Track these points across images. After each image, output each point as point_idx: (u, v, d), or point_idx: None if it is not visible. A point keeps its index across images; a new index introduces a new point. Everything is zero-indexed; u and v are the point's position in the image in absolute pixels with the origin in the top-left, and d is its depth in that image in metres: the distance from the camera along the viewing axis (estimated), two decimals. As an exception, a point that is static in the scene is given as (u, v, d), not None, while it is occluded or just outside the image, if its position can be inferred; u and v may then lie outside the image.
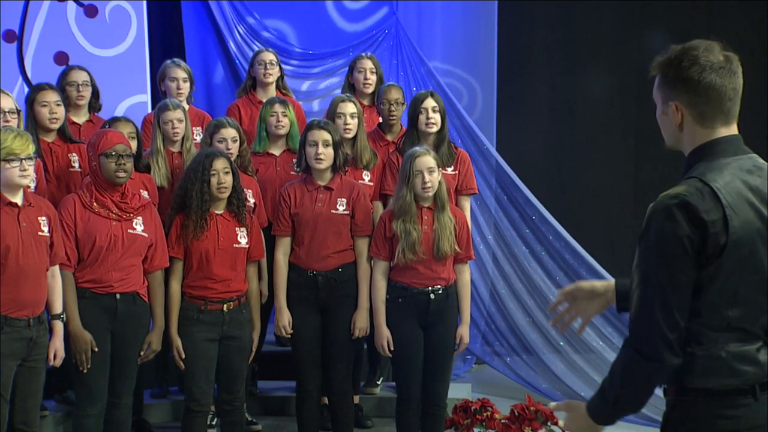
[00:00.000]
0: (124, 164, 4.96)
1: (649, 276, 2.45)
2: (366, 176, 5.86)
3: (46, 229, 4.74)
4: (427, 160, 5.22)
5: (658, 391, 2.60)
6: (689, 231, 2.41)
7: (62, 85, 6.00)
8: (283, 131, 5.94)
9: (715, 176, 2.46)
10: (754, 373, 2.48)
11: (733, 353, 2.47)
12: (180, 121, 5.83)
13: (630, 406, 2.53)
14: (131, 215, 5.02)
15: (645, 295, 2.46)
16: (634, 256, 2.51)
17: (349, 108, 5.85)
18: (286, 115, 5.92)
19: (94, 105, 6.19)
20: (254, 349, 5.38)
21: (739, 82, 2.59)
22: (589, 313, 2.88)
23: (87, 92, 6.06)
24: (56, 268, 4.85)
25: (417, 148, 5.37)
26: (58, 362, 4.83)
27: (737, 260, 2.44)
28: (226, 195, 5.19)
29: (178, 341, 5.16)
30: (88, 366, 4.91)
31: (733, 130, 2.58)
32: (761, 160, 2.60)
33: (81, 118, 6.11)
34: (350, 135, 5.79)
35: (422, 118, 5.82)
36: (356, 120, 5.84)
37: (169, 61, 6.42)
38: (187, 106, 6.37)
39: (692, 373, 2.47)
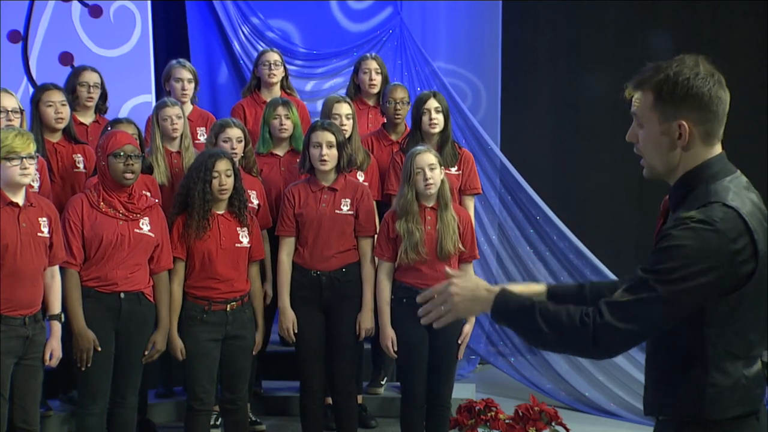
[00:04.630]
0: (132, 165, 4.97)
1: (654, 287, 2.32)
2: (360, 176, 5.87)
3: (46, 230, 4.75)
4: (428, 158, 5.23)
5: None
6: (715, 261, 2.30)
7: (73, 84, 6.02)
8: (285, 134, 5.94)
9: (732, 198, 2.36)
10: (761, 394, 2.44)
11: (750, 378, 2.41)
12: (178, 117, 5.83)
13: (528, 339, 2.52)
14: (138, 215, 5.03)
15: (640, 300, 2.33)
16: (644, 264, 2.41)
17: (345, 109, 5.86)
18: (288, 118, 5.92)
19: (101, 107, 6.21)
20: (257, 350, 5.40)
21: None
22: None
23: (96, 94, 6.09)
24: (56, 268, 4.85)
25: (418, 146, 5.38)
26: (55, 362, 4.83)
27: (762, 283, 2.37)
28: (226, 197, 5.20)
29: (180, 343, 5.16)
30: (89, 365, 4.91)
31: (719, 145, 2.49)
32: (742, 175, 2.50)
33: (88, 118, 6.12)
34: (346, 135, 5.78)
35: (425, 118, 5.83)
36: (351, 121, 5.85)
37: (174, 62, 6.42)
38: (191, 107, 6.38)
39: (717, 406, 2.39)
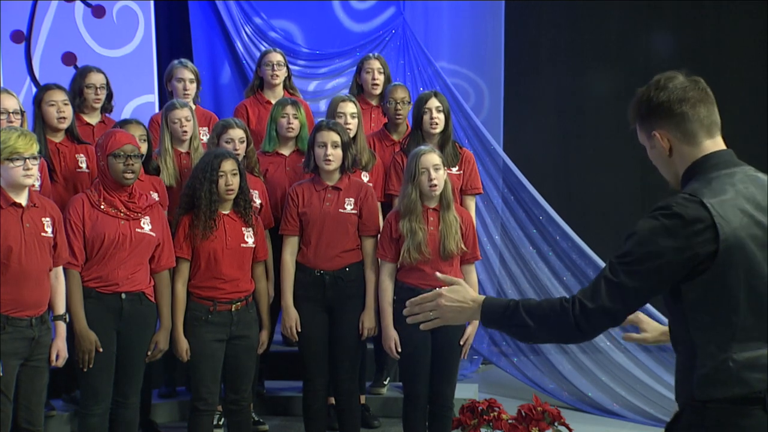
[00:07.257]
0: (132, 165, 4.97)
1: (617, 269, 2.51)
2: (365, 177, 5.87)
3: (49, 230, 4.74)
4: (433, 158, 5.23)
5: (663, 390, 2.63)
6: (671, 242, 2.46)
7: (80, 86, 6.02)
8: (293, 133, 5.94)
9: (703, 190, 2.50)
10: (761, 379, 2.46)
11: (740, 362, 2.47)
12: (188, 119, 5.85)
13: (518, 335, 2.73)
14: (139, 214, 5.03)
15: (607, 280, 2.52)
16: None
17: (350, 108, 5.86)
18: (297, 117, 5.93)
19: (107, 107, 6.22)
20: (264, 350, 5.41)
21: (709, 93, 2.63)
22: None
23: (103, 95, 6.10)
24: (60, 269, 4.84)
25: (422, 146, 5.38)
26: (61, 363, 4.83)
27: (732, 266, 2.46)
28: (232, 197, 5.20)
29: (185, 343, 5.16)
30: (91, 366, 4.91)
31: (719, 142, 2.62)
32: (754, 171, 2.63)
33: (94, 119, 6.13)
34: (350, 135, 5.79)
35: (426, 118, 5.83)
36: (356, 120, 5.85)
37: (175, 62, 6.43)
38: (193, 107, 6.39)
39: (700, 386, 2.50)
